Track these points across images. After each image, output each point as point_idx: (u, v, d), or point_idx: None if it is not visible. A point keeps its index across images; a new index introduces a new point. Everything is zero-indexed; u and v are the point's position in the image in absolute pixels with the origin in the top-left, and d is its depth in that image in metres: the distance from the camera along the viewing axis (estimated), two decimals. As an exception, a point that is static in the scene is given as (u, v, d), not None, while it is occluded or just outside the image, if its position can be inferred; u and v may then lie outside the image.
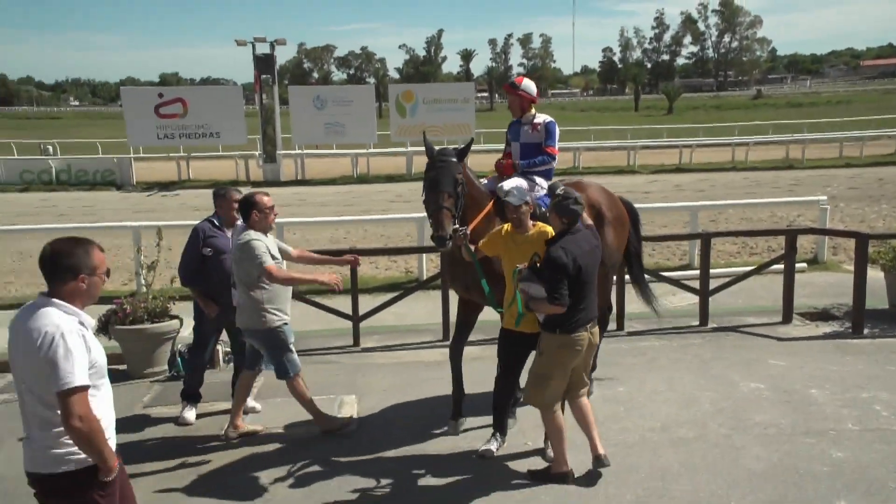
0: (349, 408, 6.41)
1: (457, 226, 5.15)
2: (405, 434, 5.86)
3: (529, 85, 6.19)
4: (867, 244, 8.25)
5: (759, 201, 14.60)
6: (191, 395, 6.35)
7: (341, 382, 6.93)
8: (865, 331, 8.07)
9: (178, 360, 7.43)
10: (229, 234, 6.09)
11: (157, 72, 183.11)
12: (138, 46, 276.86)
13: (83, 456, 3.02)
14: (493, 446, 5.33)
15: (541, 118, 6.11)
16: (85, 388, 2.94)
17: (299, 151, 29.12)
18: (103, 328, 7.41)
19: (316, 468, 5.36)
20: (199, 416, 6.35)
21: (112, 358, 7.61)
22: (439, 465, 5.36)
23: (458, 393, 5.93)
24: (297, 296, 9.09)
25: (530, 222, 5.09)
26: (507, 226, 5.18)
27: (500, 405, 5.36)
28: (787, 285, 8.49)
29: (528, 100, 6.12)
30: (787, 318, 8.46)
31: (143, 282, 8.47)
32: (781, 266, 8.74)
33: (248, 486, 5.13)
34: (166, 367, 7.49)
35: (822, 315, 8.70)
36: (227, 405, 6.57)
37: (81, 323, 3.07)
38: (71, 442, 2.98)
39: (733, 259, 12.36)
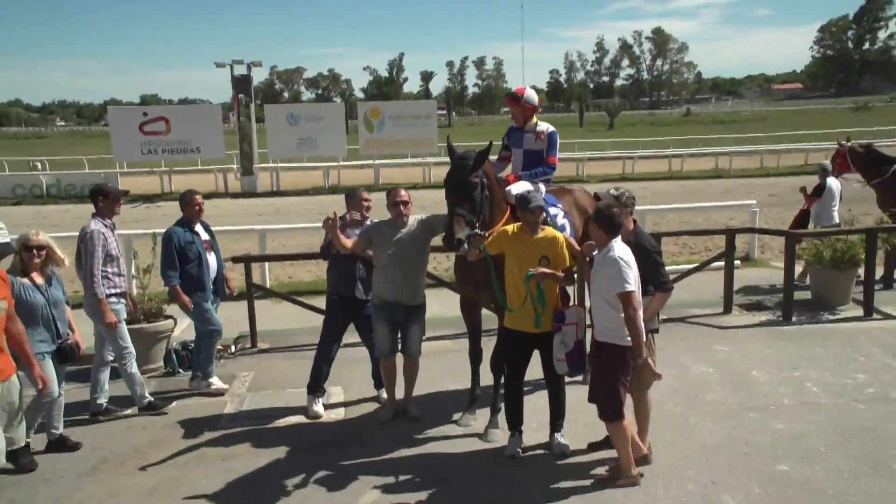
0: (336, 398, 6.38)
1: (477, 230, 4.92)
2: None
3: (531, 95, 5.88)
4: (794, 242, 8.49)
5: (699, 205, 14.86)
6: (314, 388, 6.14)
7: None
8: (794, 318, 8.28)
9: (173, 357, 7.29)
10: (356, 231, 5.91)
11: (138, 93, 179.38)
12: (120, 70, 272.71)
13: (627, 340, 4.33)
14: (518, 447, 5.11)
15: (543, 126, 5.85)
16: (632, 292, 4.26)
17: (274, 165, 28.80)
18: (102, 328, 7.23)
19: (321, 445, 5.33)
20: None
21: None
22: (419, 439, 5.39)
23: (475, 391, 5.86)
24: (282, 296, 9.03)
25: (540, 226, 4.92)
26: (513, 226, 4.97)
27: (513, 406, 5.13)
28: (728, 279, 8.66)
29: (530, 110, 5.84)
30: (727, 309, 8.62)
31: (137, 285, 8.26)
32: (719, 263, 8.93)
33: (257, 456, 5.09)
34: (162, 363, 7.34)
35: (757, 306, 8.90)
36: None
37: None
38: (623, 328, 4.31)
39: (676, 258, 12.56)
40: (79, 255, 5.89)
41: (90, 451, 5.44)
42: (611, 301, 4.38)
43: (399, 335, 5.85)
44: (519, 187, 5.49)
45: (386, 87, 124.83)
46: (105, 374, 6.12)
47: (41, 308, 5.12)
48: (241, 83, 27.24)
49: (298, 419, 5.98)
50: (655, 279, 4.62)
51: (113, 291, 5.92)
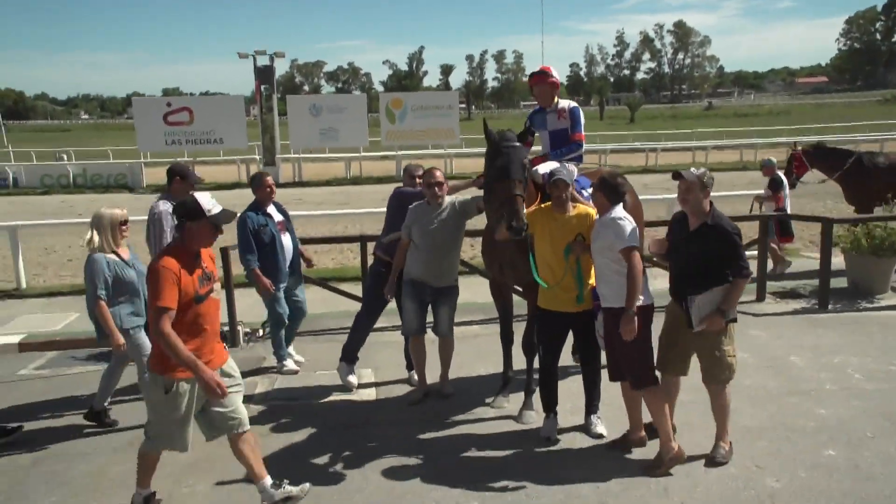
0: (367, 379, 6.35)
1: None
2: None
3: (555, 71, 5.76)
4: (832, 228, 8.30)
5: (723, 194, 14.55)
6: (350, 358, 6.24)
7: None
8: (829, 306, 8.11)
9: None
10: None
11: (159, 87, 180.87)
12: (142, 64, 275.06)
13: (641, 300, 4.37)
14: (554, 429, 5.04)
15: (564, 104, 5.70)
16: (634, 247, 4.35)
17: (296, 155, 28.87)
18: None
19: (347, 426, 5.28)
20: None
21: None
22: (452, 421, 5.32)
23: (507, 373, 5.79)
24: (316, 281, 9.01)
25: (570, 203, 4.85)
26: (545, 205, 4.91)
27: (549, 386, 5.05)
28: (760, 266, 8.49)
29: (557, 86, 5.72)
30: (760, 297, 8.46)
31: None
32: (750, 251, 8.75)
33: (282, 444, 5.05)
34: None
35: (791, 294, 8.71)
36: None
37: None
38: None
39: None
40: (149, 234, 6.00)
41: (124, 427, 5.46)
42: (614, 258, 4.42)
43: (431, 316, 5.80)
44: (547, 167, 5.40)
45: (405, 81, 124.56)
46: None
47: (133, 283, 5.24)
48: (263, 73, 27.36)
49: (330, 399, 5.96)
50: (735, 263, 4.31)
51: None
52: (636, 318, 4.35)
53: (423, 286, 5.64)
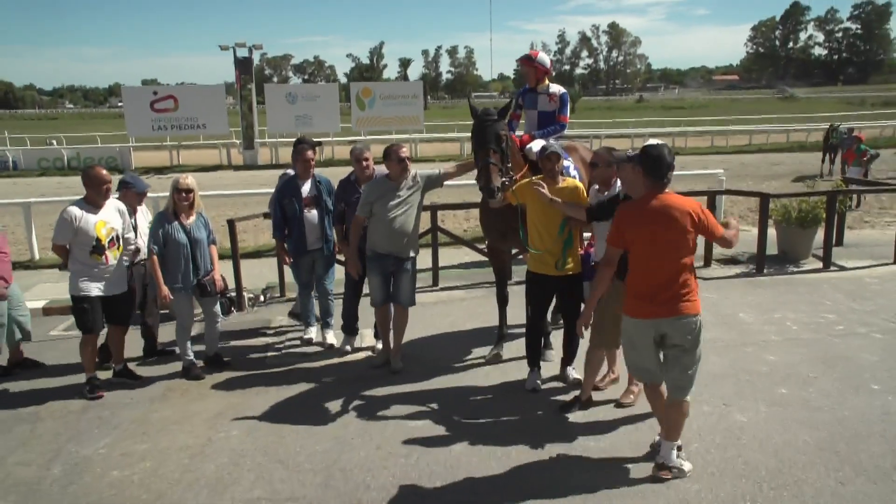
0: (369, 340, 6.23)
1: (505, 179, 4.75)
2: (431, 356, 5.85)
3: (544, 58, 5.70)
4: (768, 202, 8.55)
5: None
6: (346, 328, 6.15)
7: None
8: (765, 270, 8.38)
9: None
10: (361, 188, 5.56)
11: (138, 78, 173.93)
12: (123, 57, 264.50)
13: None
14: (537, 381, 5.07)
15: (555, 88, 5.69)
16: None
17: (273, 140, 28.25)
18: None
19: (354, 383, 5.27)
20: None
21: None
22: (452, 367, 5.37)
23: (502, 329, 5.79)
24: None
25: (560, 175, 4.84)
26: (536, 178, 4.85)
27: (534, 344, 5.09)
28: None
29: (542, 71, 5.67)
30: (707, 263, 8.66)
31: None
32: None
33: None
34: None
35: (732, 261, 8.91)
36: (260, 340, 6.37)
37: None
38: None
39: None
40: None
41: (156, 381, 5.37)
42: None
43: (391, 286, 5.47)
44: (538, 144, 5.36)
45: (367, 73, 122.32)
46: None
47: (183, 247, 5.28)
48: (243, 64, 26.66)
49: (337, 360, 5.88)
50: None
51: None
52: None
53: (387, 258, 5.32)
